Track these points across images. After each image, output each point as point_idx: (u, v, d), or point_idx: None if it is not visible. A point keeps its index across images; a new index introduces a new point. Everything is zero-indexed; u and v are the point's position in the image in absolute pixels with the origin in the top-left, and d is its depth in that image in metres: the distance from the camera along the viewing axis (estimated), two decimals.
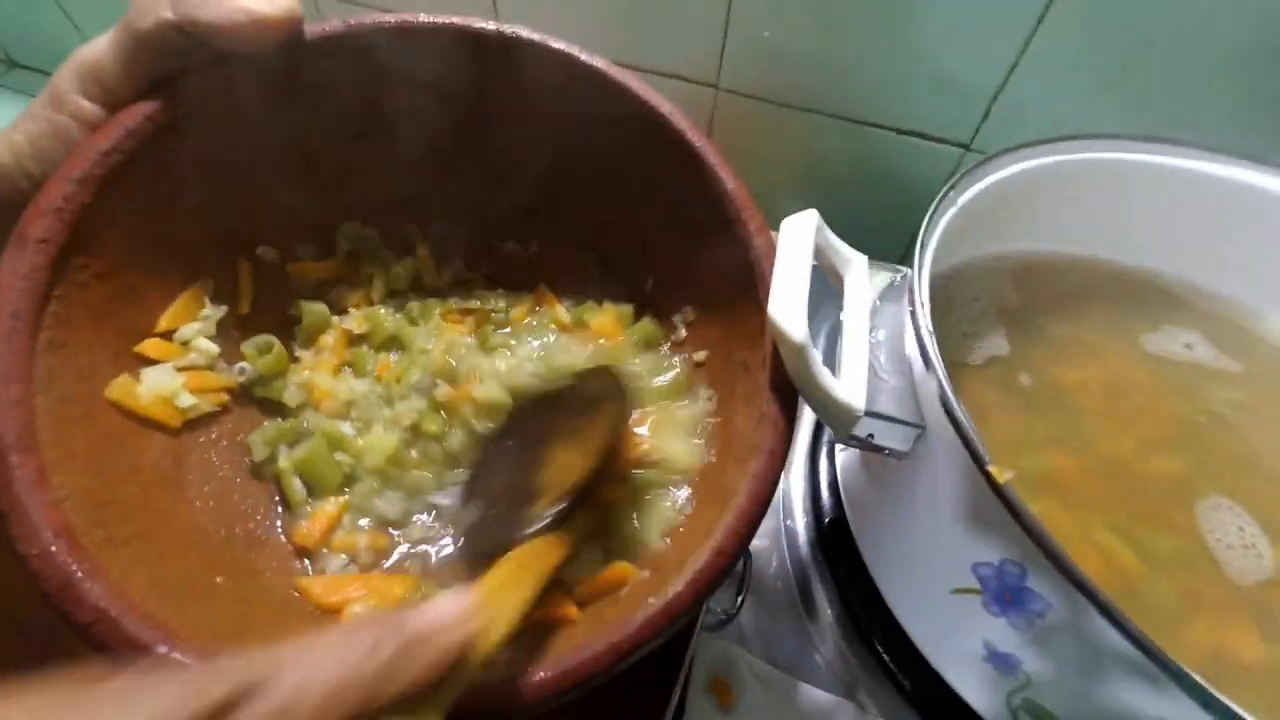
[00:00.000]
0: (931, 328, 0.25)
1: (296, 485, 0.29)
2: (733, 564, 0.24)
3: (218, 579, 0.25)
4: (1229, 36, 0.40)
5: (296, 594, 0.27)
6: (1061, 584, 0.20)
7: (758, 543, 0.40)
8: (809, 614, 0.39)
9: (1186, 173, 0.36)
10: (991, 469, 0.21)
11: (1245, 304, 0.38)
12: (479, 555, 0.24)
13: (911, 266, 0.29)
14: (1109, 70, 0.44)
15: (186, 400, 0.27)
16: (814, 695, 0.34)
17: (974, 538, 0.25)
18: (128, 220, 0.26)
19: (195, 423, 0.28)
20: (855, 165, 0.56)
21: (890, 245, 0.60)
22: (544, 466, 0.28)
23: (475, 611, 0.17)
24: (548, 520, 0.25)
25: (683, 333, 0.35)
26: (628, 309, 0.36)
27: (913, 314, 0.26)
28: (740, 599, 0.37)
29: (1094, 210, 0.38)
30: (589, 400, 0.29)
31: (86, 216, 0.24)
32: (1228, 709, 0.18)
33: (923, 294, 0.27)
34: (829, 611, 0.38)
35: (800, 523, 0.41)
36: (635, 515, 0.29)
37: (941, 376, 0.24)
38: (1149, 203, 0.38)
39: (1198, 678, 0.19)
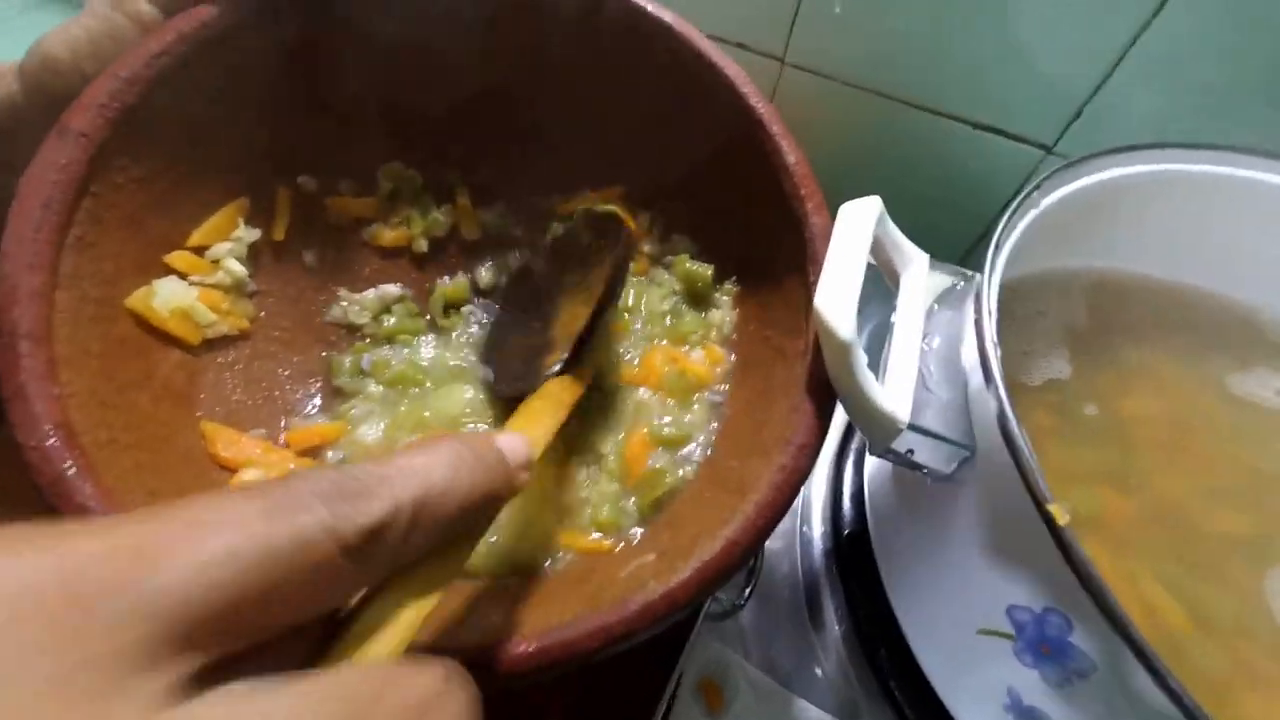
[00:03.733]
0: (997, 339, 0.23)
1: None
2: (745, 560, 0.23)
3: None
4: None
5: None
6: (1115, 647, 0.18)
7: (772, 543, 0.39)
8: (815, 625, 0.37)
9: None
10: (1052, 508, 0.19)
11: None
12: (510, 405, 0.26)
13: (980, 271, 0.26)
14: (1219, 78, 0.40)
15: (206, 317, 0.27)
16: (808, 713, 0.33)
17: (1014, 578, 0.22)
18: (171, 128, 0.25)
19: (215, 343, 0.28)
20: (923, 158, 0.53)
21: (950, 248, 0.56)
22: (554, 321, 0.30)
23: (531, 442, 0.19)
24: (556, 370, 0.27)
25: (725, 300, 0.33)
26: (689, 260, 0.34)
27: (977, 323, 0.24)
28: (748, 591, 0.36)
29: (1189, 229, 0.35)
30: (590, 248, 0.31)
31: (130, 117, 0.24)
32: None
33: (991, 301, 0.24)
34: (836, 627, 0.36)
35: (817, 530, 0.39)
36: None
37: (1003, 396, 0.21)
38: (1253, 227, 0.34)
39: None
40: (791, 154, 0.28)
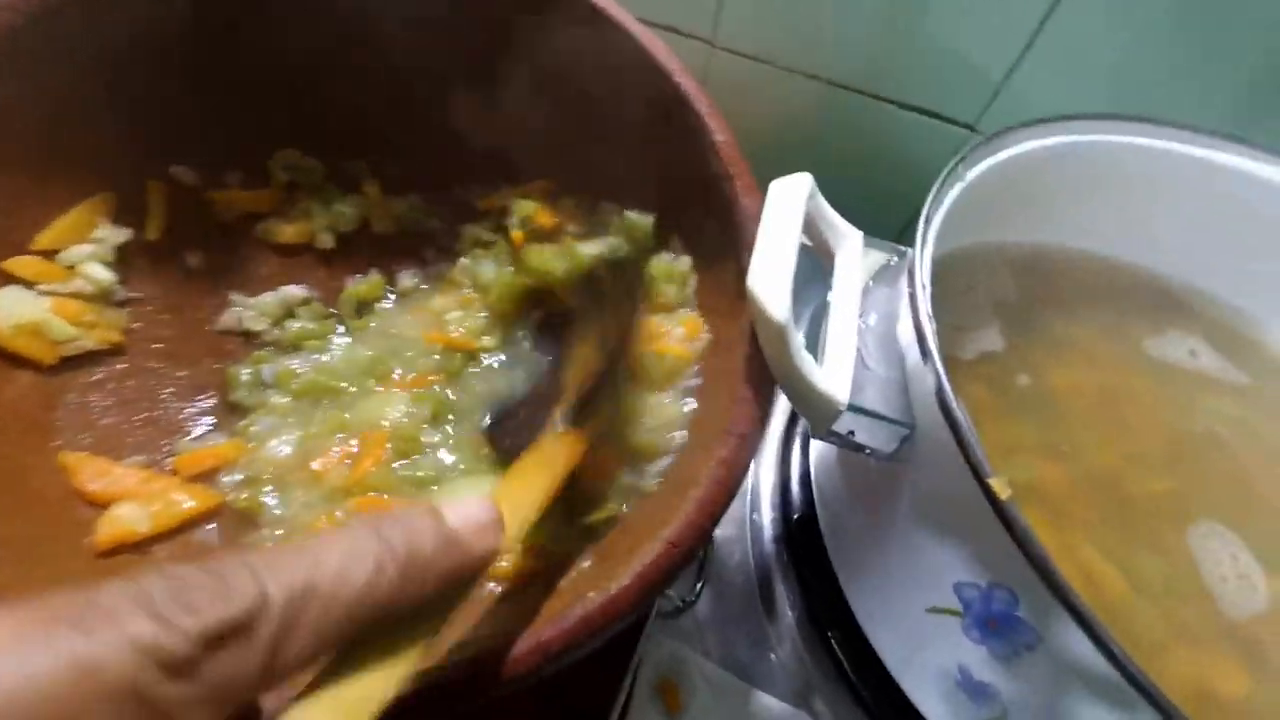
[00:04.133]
0: (932, 314, 0.22)
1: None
2: (688, 560, 0.21)
3: (85, 540, 0.21)
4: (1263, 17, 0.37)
5: None
6: (1059, 617, 0.17)
7: (722, 531, 0.38)
8: (768, 613, 0.36)
9: (1204, 163, 0.33)
10: (992, 482, 0.19)
11: (1256, 315, 0.36)
12: (507, 457, 0.23)
13: (912, 245, 0.26)
14: (1124, 58, 0.41)
15: (63, 331, 0.23)
16: (767, 704, 0.32)
17: (960, 555, 0.22)
18: (5, 106, 0.22)
19: (78, 361, 0.24)
20: (853, 138, 0.53)
21: (884, 229, 0.57)
22: (567, 366, 0.27)
23: (502, 518, 0.16)
24: (559, 422, 0.23)
25: (685, 262, 0.30)
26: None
27: (912, 297, 0.23)
28: (699, 586, 0.35)
29: (1102, 202, 0.35)
30: (609, 288, 0.28)
31: None
32: None
33: (924, 275, 0.24)
34: (790, 612, 0.36)
35: (767, 517, 0.38)
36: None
37: (940, 371, 0.21)
38: (1162, 196, 0.35)
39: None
40: (720, 132, 0.27)
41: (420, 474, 0.27)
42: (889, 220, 0.56)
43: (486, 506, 0.15)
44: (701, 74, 0.53)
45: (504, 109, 0.32)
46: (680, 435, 0.27)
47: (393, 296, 0.32)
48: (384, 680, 0.12)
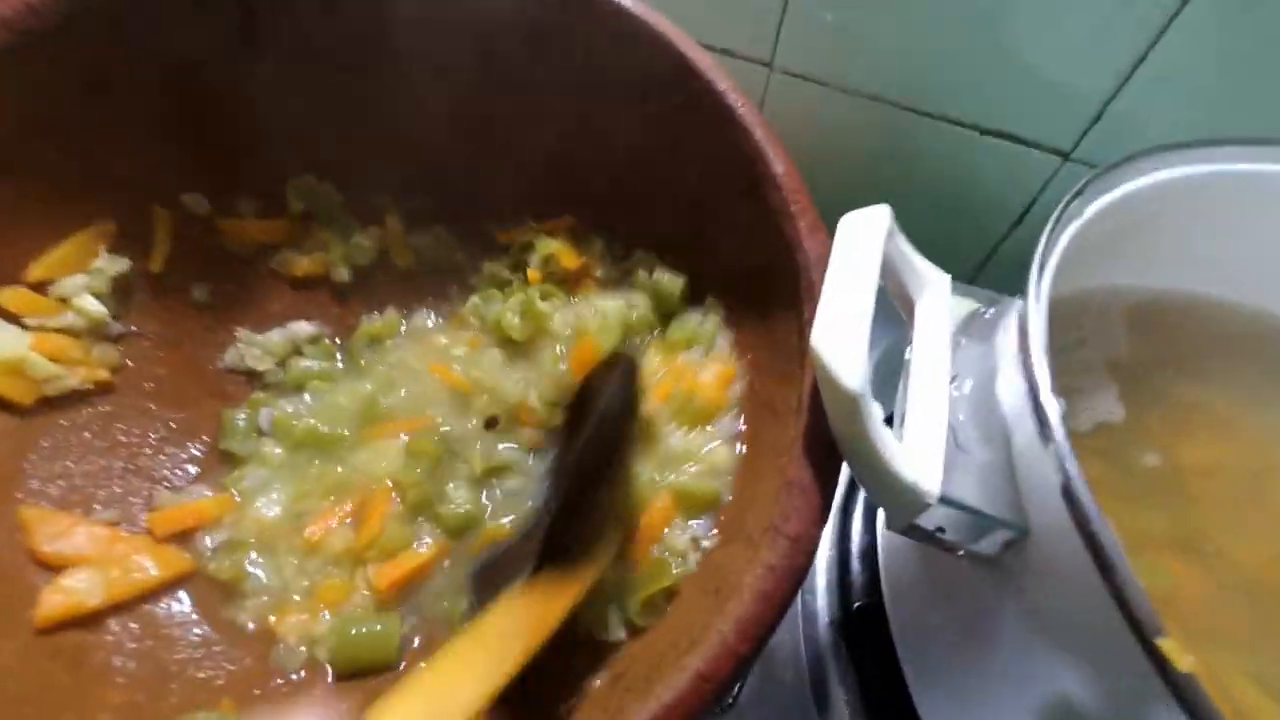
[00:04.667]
0: (1053, 384, 0.18)
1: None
2: (718, 699, 0.17)
3: (27, 612, 0.18)
4: None
5: None
6: None
7: None
8: (821, 711, 0.31)
9: None
10: (1163, 645, 0.13)
11: None
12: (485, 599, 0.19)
13: (1016, 294, 0.21)
14: (1239, 84, 0.36)
15: (44, 370, 0.21)
16: None
17: (1087, 699, 0.17)
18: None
19: (59, 401, 0.22)
20: (926, 168, 0.48)
21: (958, 266, 0.52)
22: (551, 497, 0.22)
23: None
24: (523, 575, 0.19)
25: (717, 317, 0.27)
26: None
27: (1024, 362, 0.18)
28: (739, 688, 0.30)
29: (1246, 241, 0.29)
30: (596, 393, 0.23)
31: None
32: None
33: (1040, 337, 0.19)
34: (846, 712, 0.30)
35: (821, 600, 0.33)
36: None
37: (1069, 465, 0.16)
38: None
39: None
40: (779, 163, 0.23)
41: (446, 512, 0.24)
42: (966, 255, 0.51)
43: None
44: (759, 99, 0.50)
45: (541, 138, 0.29)
46: (726, 480, 0.23)
47: (403, 331, 0.29)
48: None
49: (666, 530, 0.23)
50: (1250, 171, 0.28)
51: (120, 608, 0.19)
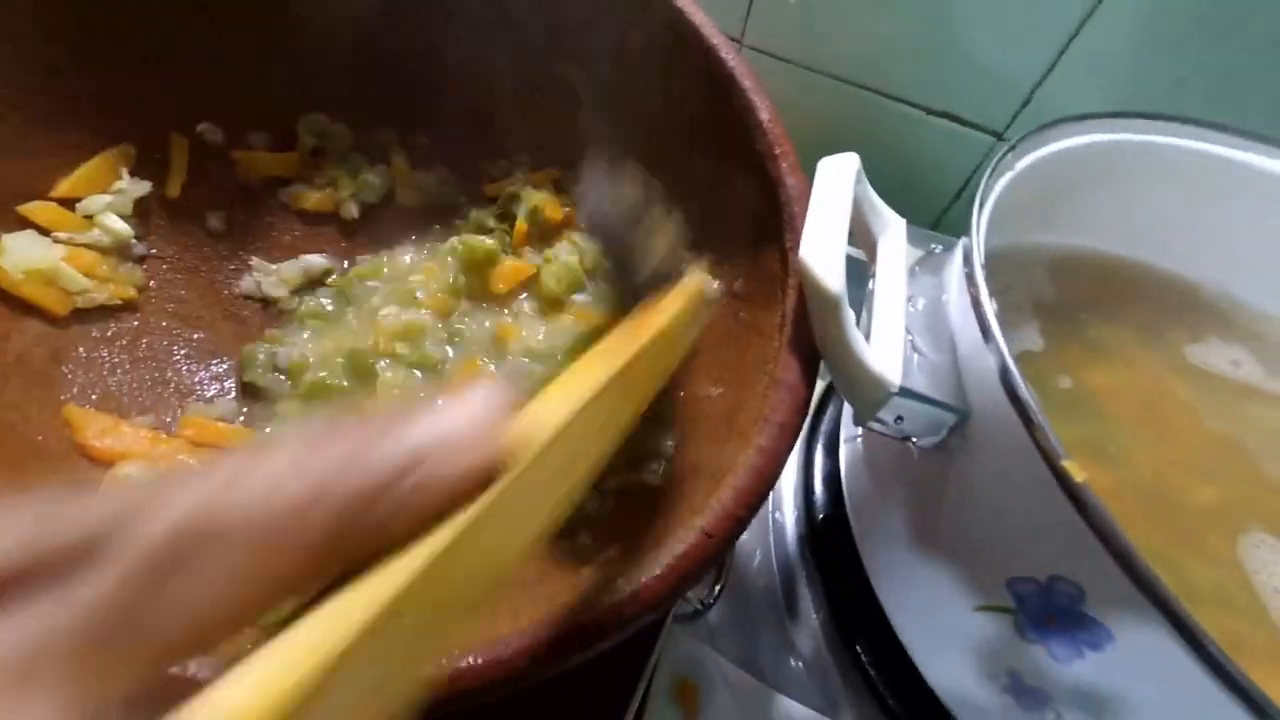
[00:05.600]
0: (990, 294, 0.21)
1: None
2: (722, 552, 0.20)
3: None
4: None
5: None
6: (1138, 615, 0.16)
7: (743, 540, 0.36)
8: (791, 617, 0.35)
9: (1247, 168, 0.33)
10: (1066, 464, 0.17)
11: None
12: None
13: (968, 231, 0.25)
14: (1159, 64, 0.41)
15: (76, 282, 0.22)
16: (789, 709, 0.30)
17: (1016, 549, 0.21)
18: (24, 46, 0.21)
19: (90, 314, 0.23)
20: (880, 141, 0.53)
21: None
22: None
23: (509, 418, 0.11)
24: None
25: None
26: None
27: (969, 277, 0.22)
28: (718, 589, 0.33)
29: (1141, 203, 0.35)
30: None
31: None
32: None
33: (980, 256, 0.23)
34: (814, 615, 0.34)
35: (790, 518, 0.37)
36: None
37: (1004, 352, 0.20)
38: (1202, 200, 0.34)
39: None
40: (765, 110, 0.26)
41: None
42: (914, 221, 0.56)
43: (477, 407, 0.10)
44: None
45: (539, 80, 0.31)
46: None
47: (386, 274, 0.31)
48: (325, 658, 0.08)
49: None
50: (1149, 142, 0.33)
51: None
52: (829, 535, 0.35)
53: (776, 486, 0.39)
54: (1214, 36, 0.39)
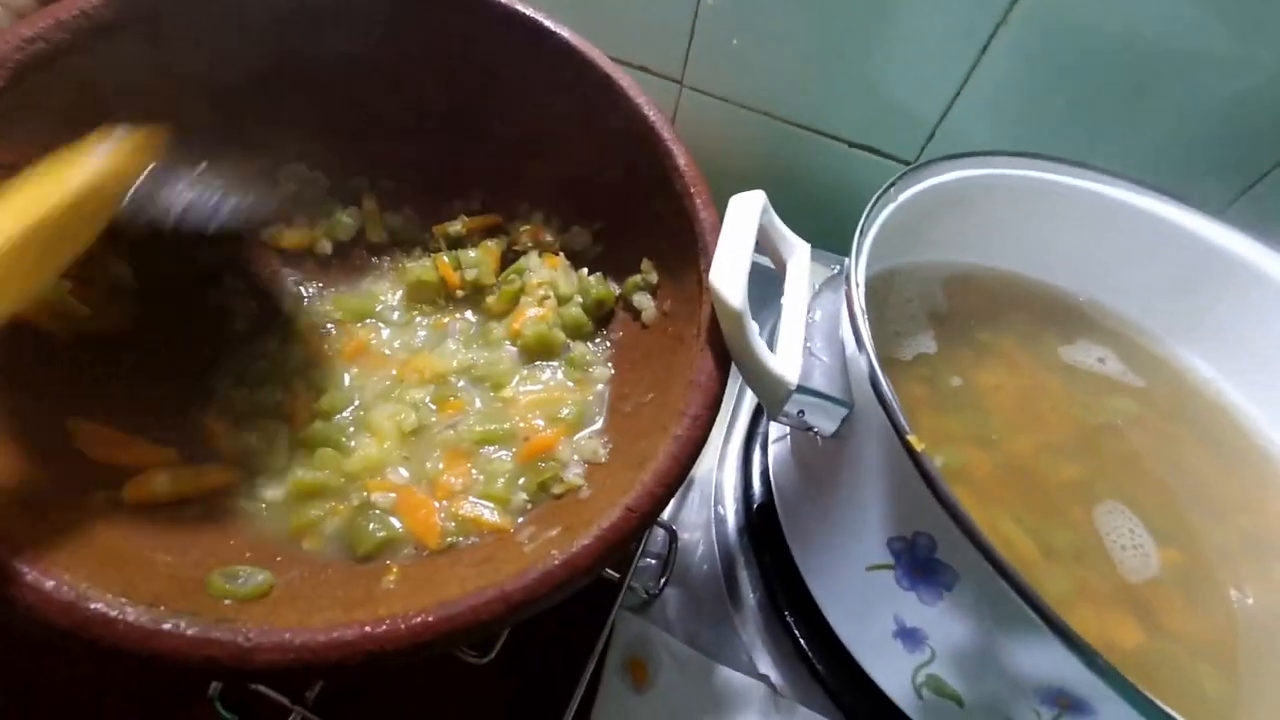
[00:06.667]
0: (865, 308, 0.26)
1: None
2: (644, 525, 0.23)
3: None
4: (1156, 78, 0.44)
5: None
6: (968, 551, 0.21)
7: (687, 534, 0.40)
8: (733, 599, 0.39)
9: (1102, 198, 0.39)
10: (910, 438, 0.22)
11: (1150, 330, 0.41)
12: None
13: (850, 255, 0.30)
14: (1042, 105, 0.48)
15: (78, 310, 0.25)
16: (729, 677, 0.34)
17: (889, 513, 0.25)
18: (46, 116, 0.24)
19: (94, 341, 0.26)
20: (807, 171, 0.58)
21: (833, 252, 0.62)
22: None
23: None
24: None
25: (654, 278, 0.35)
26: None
27: (848, 293, 0.27)
28: (664, 579, 0.37)
29: (1018, 227, 0.41)
30: None
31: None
32: (1118, 674, 0.19)
33: (859, 275, 0.28)
34: (752, 596, 0.38)
35: (730, 510, 0.41)
36: None
37: (871, 354, 0.25)
38: (1064, 224, 0.40)
39: (1087, 641, 0.20)
40: (682, 157, 0.31)
41: None
42: (838, 247, 0.61)
43: None
44: (671, 110, 0.58)
45: (481, 139, 0.36)
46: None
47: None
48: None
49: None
50: (1014, 175, 0.39)
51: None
52: (763, 523, 0.39)
53: (719, 484, 0.43)
54: (1078, 85, 0.46)
